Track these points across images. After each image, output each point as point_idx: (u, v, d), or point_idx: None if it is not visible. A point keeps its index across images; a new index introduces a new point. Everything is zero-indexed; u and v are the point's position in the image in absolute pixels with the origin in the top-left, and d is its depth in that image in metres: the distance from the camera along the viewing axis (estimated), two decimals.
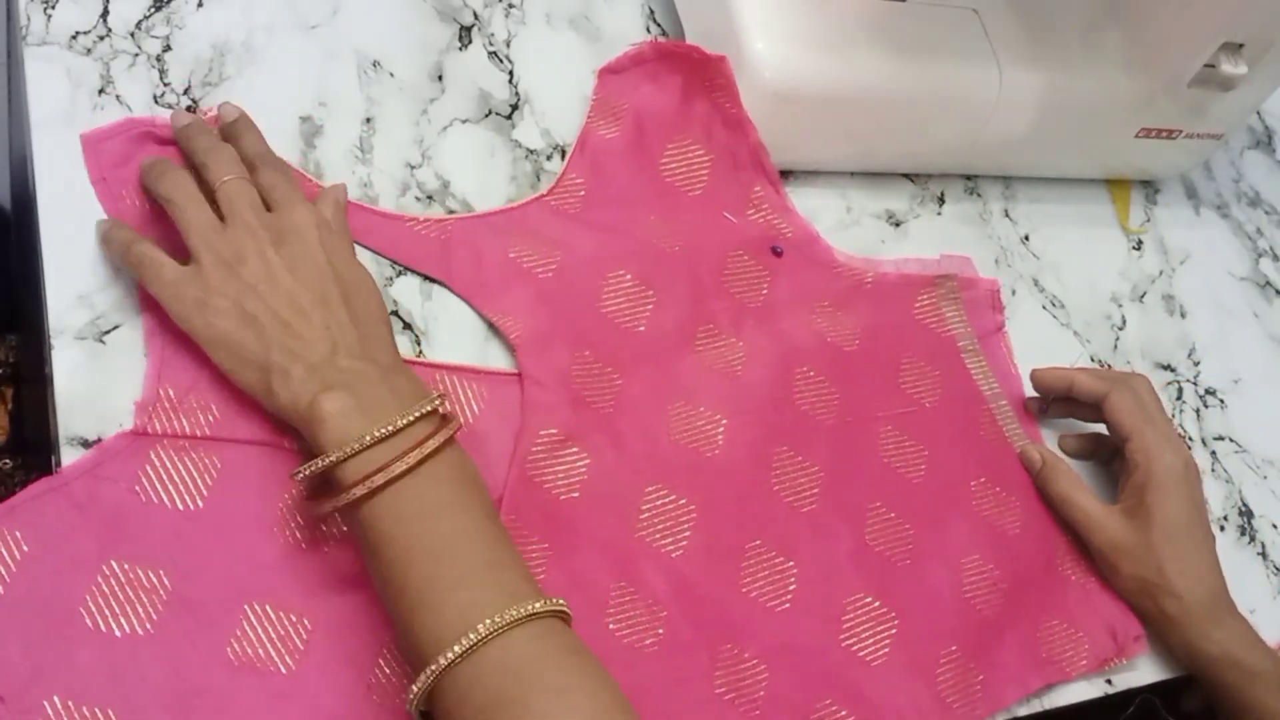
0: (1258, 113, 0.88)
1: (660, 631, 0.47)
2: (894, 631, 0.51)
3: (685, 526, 0.50)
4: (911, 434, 0.57)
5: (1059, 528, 0.58)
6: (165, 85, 0.51)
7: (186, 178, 0.45)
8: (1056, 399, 0.62)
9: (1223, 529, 0.65)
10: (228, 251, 0.44)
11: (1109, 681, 0.56)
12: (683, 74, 0.59)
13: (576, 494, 0.49)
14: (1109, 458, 0.62)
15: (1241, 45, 0.65)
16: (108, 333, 0.45)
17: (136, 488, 0.42)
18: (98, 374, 0.44)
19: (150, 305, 0.45)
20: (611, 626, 0.47)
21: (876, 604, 0.52)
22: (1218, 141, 0.74)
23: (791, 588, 0.51)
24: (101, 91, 0.50)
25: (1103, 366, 0.68)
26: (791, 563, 0.51)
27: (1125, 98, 0.68)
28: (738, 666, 0.48)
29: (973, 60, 0.63)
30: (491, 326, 0.52)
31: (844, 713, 0.49)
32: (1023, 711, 0.54)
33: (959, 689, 0.51)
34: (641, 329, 0.54)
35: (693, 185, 0.59)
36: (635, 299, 0.55)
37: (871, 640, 0.51)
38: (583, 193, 0.56)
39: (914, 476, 0.56)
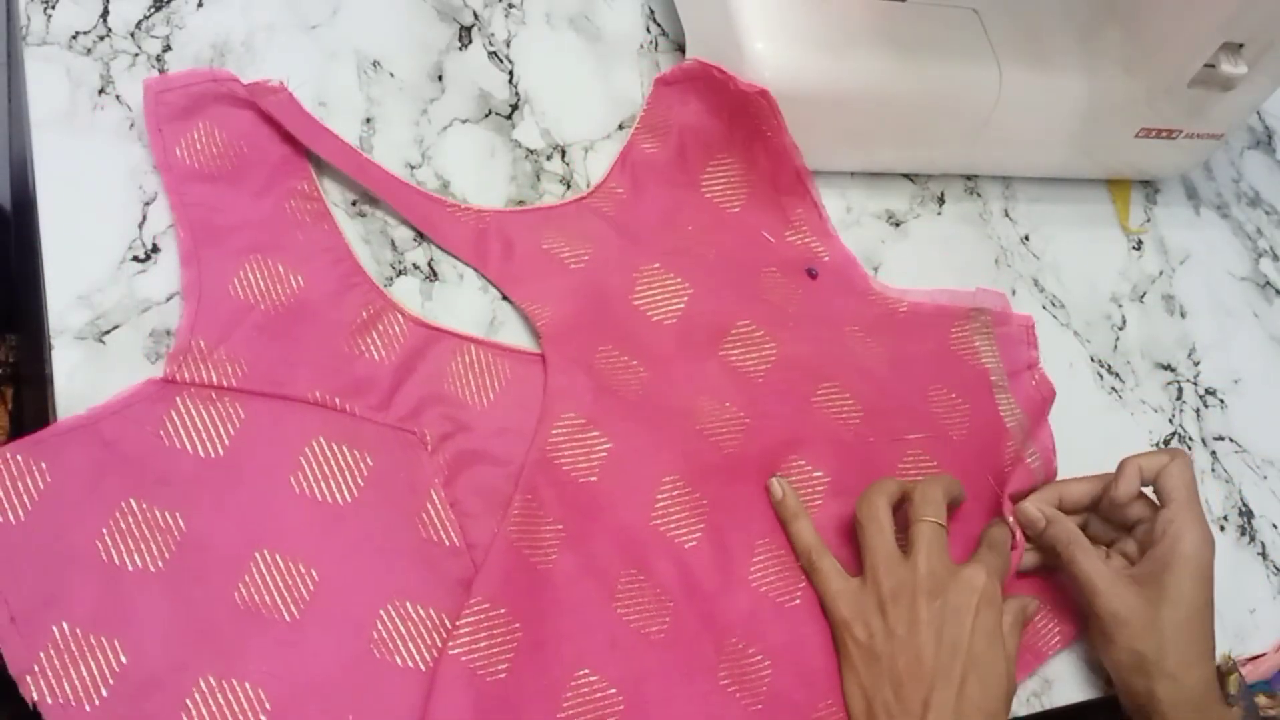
0: (1258, 113, 0.88)
1: (666, 620, 0.48)
2: None
3: (699, 519, 0.50)
4: (936, 459, 0.56)
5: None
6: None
7: (887, 510, 0.50)
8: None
9: (1223, 529, 0.65)
10: (889, 586, 0.48)
11: (1109, 682, 0.56)
12: (729, 99, 0.59)
13: (594, 477, 0.49)
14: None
15: (1241, 45, 0.65)
16: (108, 333, 0.45)
17: (161, 432, 0.43)
18: (98, 374, 0.44)
19: (190, 261, 0.46)
20: (619, 612, 0.47)
21: None
22: (1218, 141, 0.74)
23: (800, 586, 0.51)
24: (101, 91, 0.50)
25: (1103, 366, 0.68)
26: (798, 564, 0.51)
27: (1125, 98, 0.68)
28: (742, 661, 0.48)
29: (973, 60, 0.63)
30: (492, 326, 0.52)
31: (843, 715, 0.49)
32: (1023, 711, 0.54)
33: None
34: (673, 322, 0.54)
35: (731, 203, 0.59)
36: (671, 291, 0.55)
37: None
38: (621, 200, 0.57)
39: None
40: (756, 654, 0.49)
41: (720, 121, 0.59)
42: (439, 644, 0.44)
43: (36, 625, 0.39)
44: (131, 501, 0.42)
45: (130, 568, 0.41)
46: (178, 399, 0.44)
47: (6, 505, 0.41)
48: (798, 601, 0.50)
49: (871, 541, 0.50)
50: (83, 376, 0.44)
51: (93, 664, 0.40)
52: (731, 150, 0.60)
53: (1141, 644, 0.51)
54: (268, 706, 0.41)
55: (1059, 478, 0.60)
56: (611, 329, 0.53)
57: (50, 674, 0.39)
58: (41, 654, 0.39)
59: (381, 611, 0.44)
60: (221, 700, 0.41)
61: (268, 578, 0.43)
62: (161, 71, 0.51)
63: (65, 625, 0.40)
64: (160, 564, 0.42)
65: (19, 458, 0.41)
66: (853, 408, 0.56)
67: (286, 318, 0.47)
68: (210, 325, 0.46)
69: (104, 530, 0.41)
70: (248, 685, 0.41)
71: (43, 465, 0.41)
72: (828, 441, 0.55)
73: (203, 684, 0.41)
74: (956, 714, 0.46)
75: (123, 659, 0.40)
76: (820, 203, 0.61)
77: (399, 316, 0.49)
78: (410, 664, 0.43)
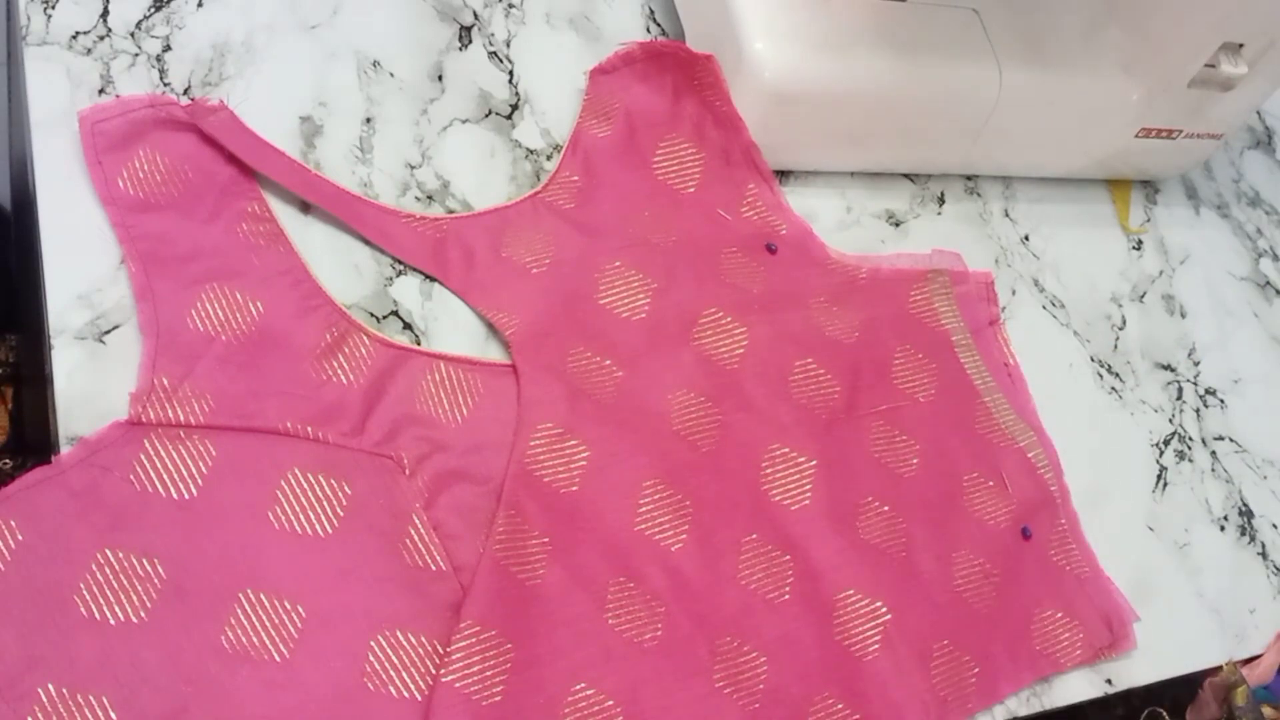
0: (1258, 113, 0.88)
1: (659, 627, 0.47)
2: (887, 626, 0.51)
3: (684, 520, 0.50)
4: (902, 429, 0.57)
5: (1053, 519, 0.58)
6: (165, 85, 0.51)
7: None
8: None
9: (1223, 529, 0.65)
10: None
11: (1109, 681, 0.56)
12: (672, 73, 0.60)
13: (576, 487, 0.49)
14: None
15: (1241, 45, 0.65)
16: (108, 333, 0.45)
17: (131, 476, 0.42)
18: (98, 374, 0.44)
19: (145, 295, 0.45)
20: (611, 622, 0.47)
21: (869, 599, 0.52)
22: (1218, 141, 0.74)
23: (789, 580, 0.51)
24: (101, 91, 0.50)
25: (1103, 366, 0.68)
26: (788, 557, 0.51)
27: (1125, 98, 0.68)
28: (737, 660, 0.48)
29: (973, 60, 0.63)
30: (491, 326, 0.52)
31: (840, 706, 0.49)
32: (1023, 711, 0.54)
33: (952, 683, 0.52)
34: (642, 317, 0.54)
35: (685, 183, 0.59)
36: (635, 287, 0.55)
37: (865, 635, 0.51)
38: (577, 189, 0.57)
39: (905, 471, 0.56)
40: (751, 651, 0.49)
41: (666, 99, 0.60)
42: (433, 671, 0.43)
43: (21, 689, 0.38)
44: (107, 552, 0.41)
45: (113, 620, 0.40)
46: (145, 440, 0.43)
47: None
48: (788, 596, 0.50)
49: None
50: (83, 376, 0.44)
51: None
52: (680, 127, 0.60)
53: None
54: None
55: (1063, 477, 0.60)
56: (581, 331, 0.53)
57: None
58: (29, 718, 0.38)
59: (372, 643, 0.43)
60: None
61: (254, 618, 0.42)
62: (161, 72, 0.52)
63: (51, 687, 0.39)
64: (143, 614, 0.41)
65: None
66: (830, 382, 0.56)
67: (249, 347, 0.46)
68: (172, 361, 0.45)
69: (81, 584, 0.40)
70: None
71: (12, 523, 0.40)
72: (809, 424, 0.55)
73: None
74: None
75: (113, 716, 0.39)
76: (771, 175, 0.61)
77: (364, 338, 0.49)
78: (405, 694, 0.43)
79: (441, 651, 0.43)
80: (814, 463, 0.54)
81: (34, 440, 0.76)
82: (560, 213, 0.56)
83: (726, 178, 0.60)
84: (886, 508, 0.54)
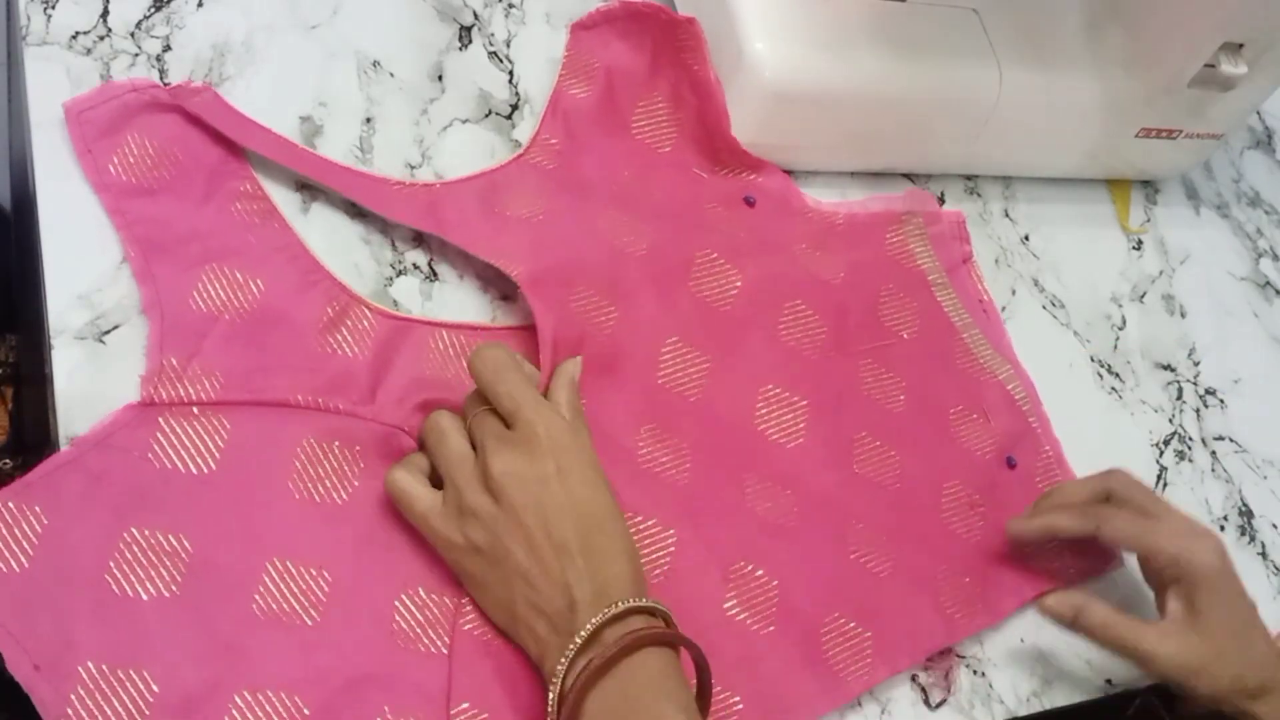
0: (1258, 113, 0.88)
1: (667, 561, 0.48)
2: (892, 553, 0.53)
3: (684, 460, 0.51)
4: (888, 366, 0.59)
5: (1037, 448, 0.60)
6: (165, 85, 0.51)
7: (450, 416, 0.46)
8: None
9: (1223, 529, 0.65)
10: (464, 485, 0.43)
11: (1109, 681, 0.56)
12: (653, 34, 0.60)
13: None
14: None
15: (1241, 45, 0.65)
16: (108, 333, 0.45)
17: (149, 455, 0.43)
18: (98, 374, 0.44)
19: (146, 279, 0.46)
20: None
21: (870, 529, 0.53)
22: (1218, 141, 0.74)
23: (794, 509, 0.52)
24: None
25: (1103, 366, 0.68)
26: (789, 491, 0.53)
27: (1125, 98, 0.68)
28: (750, 584, 0.49)
29: (973, 60, 0.63)
30: (490, 323, 0.52)
31: (853, 625, 0.50)
32: (1023, 711, 0.54)
33: (957, 602, 0.53)
34: (643, 253, 0.55)
35: (662, 143, 0.60)
36: (634, 232, 0.56)
37: (871, 561, 0.53)
38: (556, 152, 0.57)
39: (894, 407, 0.58)
40: (763, 575, 0.50)
41: (644, 58, 0.60)
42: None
43: (62, 669, 0.39)
44: (133, 530, 0.42)
45: (145, 597, 0.41)
46: (160, 420, 0.43)
47: (8, 554, 0.40)
48: (795, 524, 0.52)
49: (441, 447, 0.45)
50: (83, 376, 0.44)
51: (125, 699, 0.39)
52: (658, 87, 0.60)
53: (1216, 682, 0.50)
54: (306, 712, 0.41)
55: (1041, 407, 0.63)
56: (585, 271, 0.53)
57: (85, 715, 0.38)
58: (72, 696, 0.39)
59: (397, 602, 0.44)
60: (260, 714, 0.40)
61: (282, 585, 0.43)
62: (161, 72, 0.51)
63: (91, 664, 0.39)
64: (174, 588, 0.41)
65: (11, 504, 0.40)
66: (817, 323, 0.58)
67: (253, 324, 0.47)
68: (178, 341, 0.45)
69: (111, 564, 0.41)
70: (283, 695, 0.41)
71: (36, 508, 0.41)
72: (800, 364, 0.56)
73: (239, 700, 0.40)
74: (596, 571, 0.42)
75: (155, 689, 0.40)
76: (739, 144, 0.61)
77: (366, 310, 0.49)
78: (434, 649, 0.44)
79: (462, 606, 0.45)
80: (806, 401, 0.55)
81: (34, 440, 0.76)
82: (545, 173, 0.56)
83: (702, 139, 0.61)
84: (878, 443, 0.56)
